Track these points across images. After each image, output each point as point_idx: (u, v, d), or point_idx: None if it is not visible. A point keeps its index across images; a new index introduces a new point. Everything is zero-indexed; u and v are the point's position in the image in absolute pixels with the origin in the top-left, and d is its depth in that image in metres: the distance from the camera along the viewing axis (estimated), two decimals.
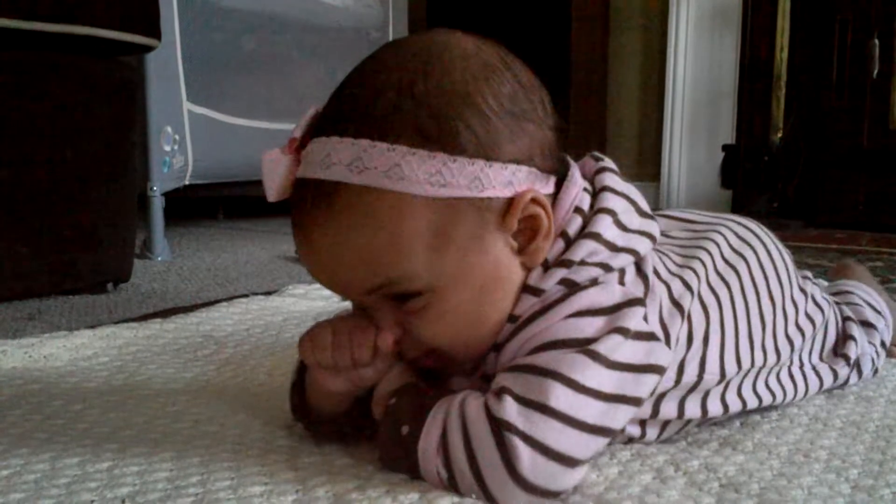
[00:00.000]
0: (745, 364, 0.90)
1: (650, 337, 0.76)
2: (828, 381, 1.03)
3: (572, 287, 0.76)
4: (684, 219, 1.00)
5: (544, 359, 0.72)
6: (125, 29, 1.68)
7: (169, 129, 2.24)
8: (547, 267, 0.77)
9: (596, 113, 3.91)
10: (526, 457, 0.68)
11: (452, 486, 0.71)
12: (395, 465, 0.75)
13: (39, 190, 1.59)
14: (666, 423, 0.85)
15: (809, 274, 1.08)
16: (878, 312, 1.18)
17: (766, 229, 1.03)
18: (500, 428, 0.69)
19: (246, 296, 1.63)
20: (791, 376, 0.98)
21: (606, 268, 0.77)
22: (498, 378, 0.74)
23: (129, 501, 0.70)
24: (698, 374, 0.85)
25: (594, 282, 0.76)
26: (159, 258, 2.18)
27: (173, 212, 2.30)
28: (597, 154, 0.85)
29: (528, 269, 0.77)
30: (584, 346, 0.73)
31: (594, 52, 3.85)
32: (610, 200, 0.80)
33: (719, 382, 0.87)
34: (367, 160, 0.71)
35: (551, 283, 0.76)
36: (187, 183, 2.34)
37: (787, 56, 3.45)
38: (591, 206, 0.80)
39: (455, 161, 0.71)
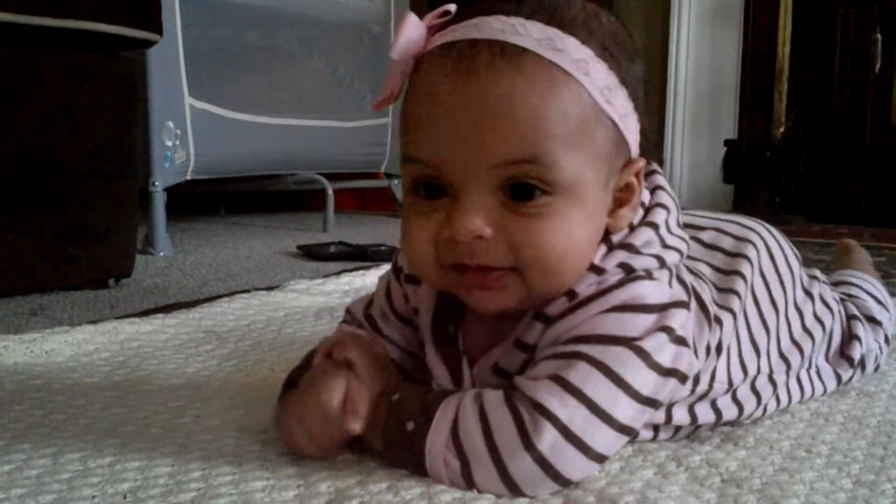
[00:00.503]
0: (752, 371, 0.90)
1: (682, 342, 0.76)
2: (831, 386, 1.02)
3: (629, 273, 0.77)
4: (686, 224, 1.00)
5: (592, 349, 0.72)
6: (126, 24, 1.68)
7: (170, 124, 2.24)
8: (610, 248, 0.77)
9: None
10: (549, 436, 0.69)
11: (464, 475, 0.71)
12: (399, 460, 0.75)
13: (41, 185, 1.59)
14: (678, 429, 0.85)
15: (818, 273, 1.07)
16: (883, 305, 1.18)
17: (768, 228, 1.02)
18: (524, 404, 0.70)
19: (248, 291, 1.63)
20: (798, 381, 0.97)
21: (661, 261, 0.78)
22: (540, 365, 0.73)
23: (130, 497, 0.70)
24: (709, 384, 0.85)
25: (649, 274, 0.77)
26: (161, 253, 2.18)
27: (175, 207, 2.30)
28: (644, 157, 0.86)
29: (608, 231, 0.77)
30: (631, 342, 0.73)
31: None
32: (665, 198, 0.83)
33: (727, 391, 0.87)
34: (559, 43, 0.71)
35: (612, 264, 0.76)
36: (189, 178, 2.34)
37: (790, 51, 3.45)
38: (650, 201, 0.82)
39: (623, 89, 0.74)
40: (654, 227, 0.79)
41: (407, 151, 0.75)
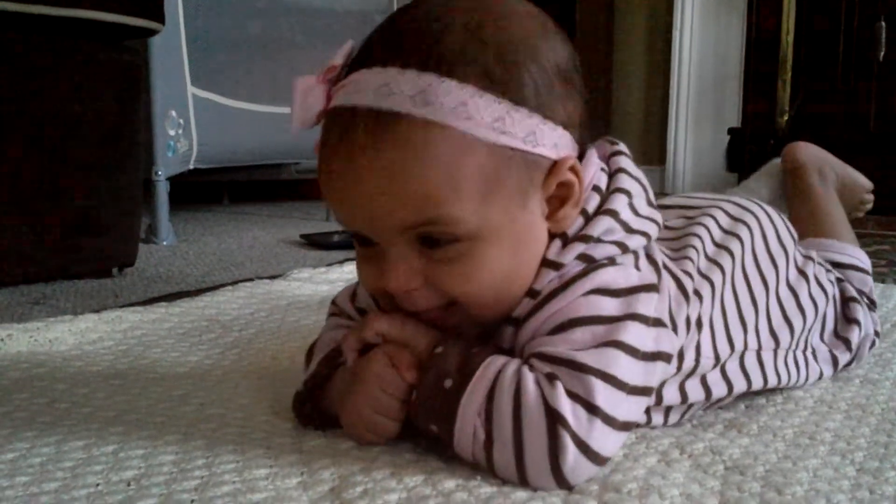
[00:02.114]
0: (739, 346, 0.91)
1: (658, 323, 0.76)
2: (828, 370, 1.02)
3: (591, 263, 0.76)
4: (681, 205, 1.00)
5: (572, 343, 0.72)
6: (129, 13, 1.68)
7: (173, 113, 2.23)
8: (566, 242, 0.77)
9: (601, 96, 3.90)
10: (571, 457, 0.69)
11: (486, 449, 0.71)
12: (429, 416, 0.74)
13: (44, 175, 1.59)
14: (669, 409, 0.86)
15: (813, 254, 1.08)
16: (865, 272, 1.19)
17: (767, 209, 1.03)
18: (555, 421, 0.69)
19: (251, 280, 1.63)
20: (795, 361, 0.98)
21: (623, 247, 0.78)
22: (538, 363, 0.73)
23: (134, 484, 0.70)
24: (695, 359, 0.85)
25: (612, 261, 0.77)
26: (164, 242, 2.19)
27: (178, 196, 2.31)
28: (611, 139, 0.86)
29: (551, 236, 0.77)
30: (605, 324, 0.73)
31: (599, 33, 3.84)
32: (626, 182, 0.81)
33: (715, 366, 0.87)
34: (432, 95, 0.69)
35: (570, 257, 0.76)
36: (192, 167, 2.34)
37: (794, 39, 3.44)
38: (608, 186, 0.80)
39: (518, 111, 0.71)
40: (614, 214, 0.78)
41: (329, 205, 0.78)
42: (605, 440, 0.70)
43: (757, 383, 0.92)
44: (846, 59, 3.39)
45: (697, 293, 0.86)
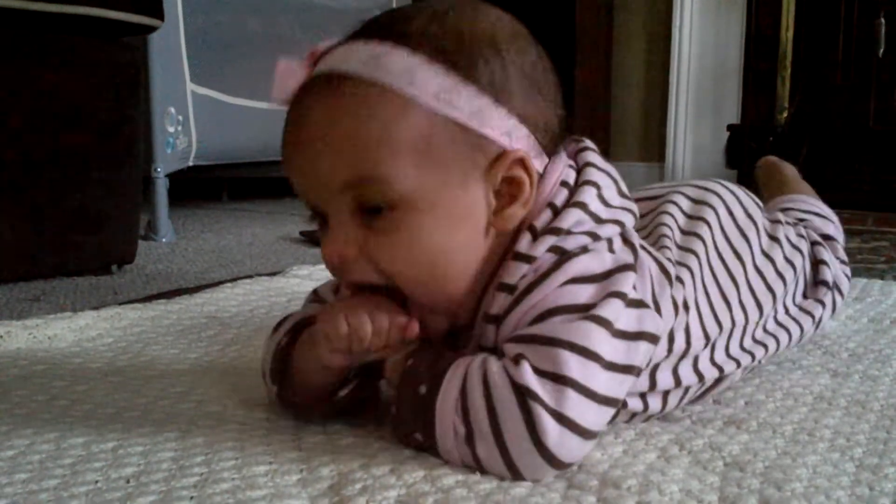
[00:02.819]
0: (727, 325, 0.92)
1: (640, 304, 0.77)
2: (818, 312, 1.07)
3: (563, 254, 0.77)
4: (643, 197, 1.01)
5: (549, 327, 0.73)
6: (128, 9, 1.68)
7: (172, 110, 2.23)
8: (536, 235, 0.77)
9: (601, 93, 3.89)
10: (553, 430, 0.69)
11: (469, 444, 0.71)
12: (411, 424, 0.74)
13: (44, 171, 1.59)
14: (666, 394, 0.86)
15: (780, 216, 1.10)
16: (827, 218, 1.22)
17: (728, 185, 1.05)
18: (524, 396, 0.69)
19: (250, 277, 1.63)
20: (779, 323, 1.01)
21: (594, 236, 0.78)
22: (508, 347, 0.74)
23: (133, 482, 0.70)
24: (686, 341, 0.86)
25: (584, 249, 0.77)
26: (163, 239, 2.19)
27: (177, 193, 2.31)
28: (577, 137, 0.86)
29: (497, 232, 0.77)
30: (583, 311, 0.73)
31: (599, 31, 3.83)
32: (594, 175, 0.81)
33: (706, 346, 0.88)
34: (383, 59, 0.73)
35: (542, 250, 0.76)
36: (191, 164, 2.34)
37: (793, 35, 3.44)
38: (576, 180, 0.80)
39: (466, 87, 0.73)
40: (583, 206, 0.78)
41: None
42: (583, 410, 0.70)
43: (753, 357, 0.94)
44: (846, 56, 3.39)
45: (679, 278, 0.87)
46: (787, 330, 1.01)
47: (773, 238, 1.04)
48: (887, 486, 0.72)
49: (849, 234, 1.60)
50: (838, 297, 1.12)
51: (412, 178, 0.73)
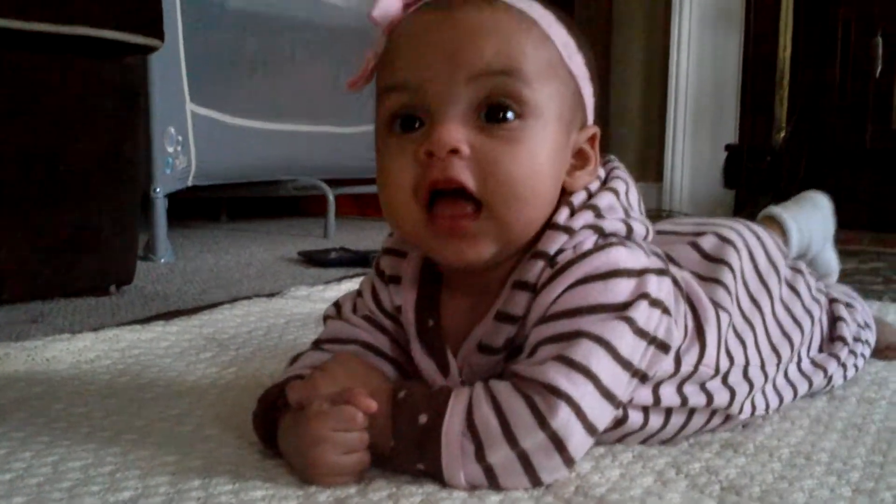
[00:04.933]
0: (739, 360, 0.91)
1: (660, 306, 0.78)
2: (832, 368, 1.04)
3: (603, 235, 0.79)
4: (668, 231, 1.01)
5: (586, 322, 0.74)
6: (128, 30, 1.68)
7: (172, 130, 2.24)
8: (574, 210, 0.79)
9: (599, 112, 3.90)
10: (563, 413, 0.71)
11: (479, 457, 0.71)
12: (410, 456, 0.74)
13: (43, 191, 1.60)
14: (669, 412, 0.85)
15: (802, 267, 1.09)
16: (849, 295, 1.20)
17: (750, 227, 1.04)
18: (534, 389, 0.71)
19: (249, 298, 1.63)
20: (800, 371, 1.00)
21: (629, 229, 0.80)
22: (540, 351, 0.75)
23: None
24: (694, 366, 0.86)
25: (622, 241, 0.79)
26: (162, 260, 2.19)
27: (176, 213, 2.31)
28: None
29: (567, 193, 0.81)
30: (620, 310, 0.75)
31: (597, 50, 3.84)
32: (623, 174, 0.86)
33: (714, 376, 0.88)
34: (526, 1, 0.79)
35: (579, 224, 0.78)
36: (190, 184, 2.34)
37: (790, 55, 3.45)
38: (606, 177, 0.85)
39: (578, 54, 0.81)
40: (615, 192, 0.82)
41: (385, 82, 0.79)
42: (599, 408, 0.73)
43: (756, 399, 0.93)
44: (843, 76, 3.39)
45: (691, 302, 0.88)
46: (797, 386, 0.99)
47: (792, 288, 1.04)
48: None
49: (846, 254, 1.60)
50: (860, 360, 1.10)
51: (545, 92, 0.77)
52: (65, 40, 1.59)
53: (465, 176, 0.74)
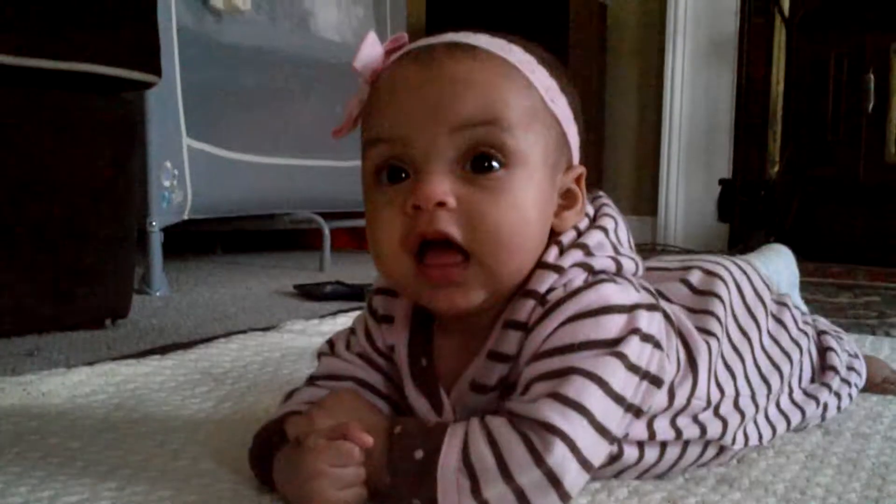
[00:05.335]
0: (729, 392, 0.92)
1: (652, 341, 0.78)
2: (824, 397, 1.05)
3: (593, 273, 0.79)
4: (656, 268, 1.02)
5: (578, 359, 0.74)
6: (126, 66, 1.69)
7: (168, 164, 2.24)
8: (563, 249, 0.80)
9: (592, 146, 3.92)
10: (558, 450, 0.71)
11: (474, 492, 0.71)
12: (407, 491, 0.74)
13: (39, 225, 1.60)
14: (664, 445, 0.86)
15: (787, 300, 1.09)
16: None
17: (738, 262, 1.05)
18: (529, 426, 0.71)
19: (244, 332, 1.63)
20: (792, 402, 1.00)
21: (618, 265, 0.81)
22: (533, 388, 0.75)
23: None
24: (687, 399, 0.86)
25: (612, 278, 0.79)
26: (158, 293, 2.18)
27: (171, 246, 2.31)
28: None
29: (555, 233, 0.81)
30: (612, 346, 0.75)
31: (590, 84, 3.87)
32: (612, 212, 0.87)
33: (706, 409, 0.88)
34: (508, 45, 0.80)
35: (569, 262, 0.79)
36: (186, 218, 2.34)
37: (783, 90, 3.48)
38: (595, 215, 0.86)
39: (561, 97, 0.81)
40: (604, 230, 0.83)
41: (370, 135, 0.80)
42: (593, 444, 0.73)
43: (749, 429, 0.93)
44: (835, 111, 3.42)
45: (682, 334, 0.88)
46: (789, 416, 0.99)
47: (778, 321, 1.05)
48: None
49: (840, 288, 1.61)
50: (853, 390, 1.12)
51: (530, 139, 0.77)
52: (63, 76, 1.60)
53: (452, 228, 0.75)
